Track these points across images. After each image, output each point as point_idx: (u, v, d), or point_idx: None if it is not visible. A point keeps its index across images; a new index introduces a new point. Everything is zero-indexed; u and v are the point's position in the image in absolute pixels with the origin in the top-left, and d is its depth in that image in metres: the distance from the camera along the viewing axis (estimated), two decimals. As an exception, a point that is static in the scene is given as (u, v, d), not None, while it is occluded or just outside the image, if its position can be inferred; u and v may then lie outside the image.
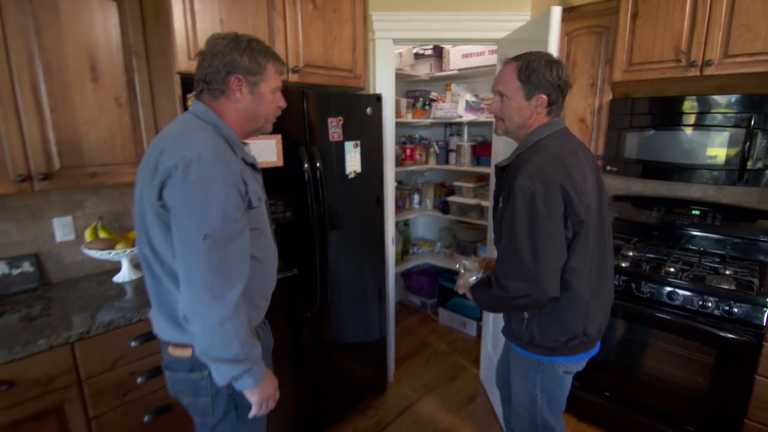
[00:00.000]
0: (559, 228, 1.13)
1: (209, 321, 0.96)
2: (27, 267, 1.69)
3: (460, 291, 1.41)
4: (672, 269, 1.87)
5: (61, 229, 1.78)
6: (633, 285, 1.88)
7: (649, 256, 2.05)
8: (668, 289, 1.79)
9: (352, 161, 1.92)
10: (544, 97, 1.19)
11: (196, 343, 1.00)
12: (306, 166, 1.71)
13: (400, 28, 2.05)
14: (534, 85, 1.18)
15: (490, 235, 1.98)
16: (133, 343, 1.48)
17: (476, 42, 2.30)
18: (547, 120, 1.24)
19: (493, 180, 1.68)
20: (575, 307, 1.22)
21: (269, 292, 1.23)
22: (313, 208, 1.78)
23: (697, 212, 2.15)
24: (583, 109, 2.24)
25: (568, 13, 2.17)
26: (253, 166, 1.14)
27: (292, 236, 1.78)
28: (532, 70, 1.17)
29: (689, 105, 1.88)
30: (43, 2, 1.40)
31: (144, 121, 1.69)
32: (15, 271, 1.66)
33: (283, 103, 1.16)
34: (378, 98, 2.03)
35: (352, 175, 1.95)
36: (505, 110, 1.24)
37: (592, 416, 2.12)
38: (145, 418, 1.55)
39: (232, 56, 1.02)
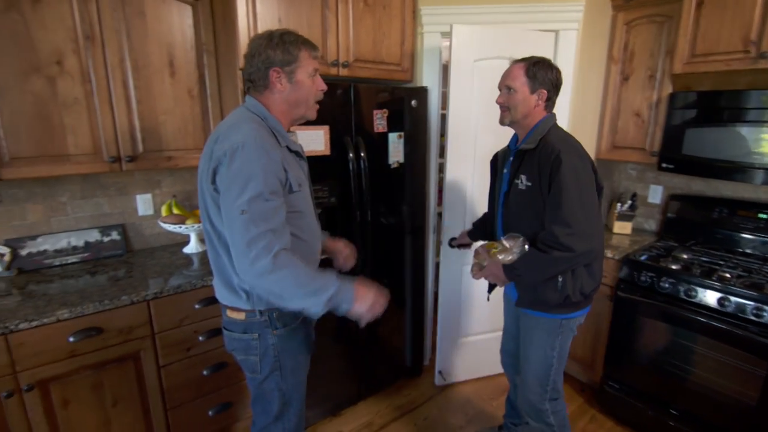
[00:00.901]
0: (595, 193, 1.37)
1: (252, 281, 1.09)
2: (115, 236, 1.98)
3: (477, 276, 1.52)
4: (727, 275, 1.77)
5: (143, 204, 2.06)
6: (681, 288, 1.80)
7: (703, 259, 1.94)
8: (719, 294, 1.70)
9: (396, 152, 2.01)
10: (545, 92, 1.41)
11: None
12: (350, 155, 1.83)
13: (448, 22, 2.09)
14: (538, 81, 1.40)
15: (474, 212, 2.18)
16: (196, 306, 1.71)
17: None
18: (545, 113, 1.45)
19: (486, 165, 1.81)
20: (599, 261, 1.47)
21: (312, 267, 1.36)
22: (356, 195, 1.90)
23: (764, 216, 1.99)
24: (640, 103, 2.15)
25: (628, 1, 2.08)
26: (297, 153, 1.26)
27: (336, 220, 1.92)
28: (538, 69, 1.39)
29: (758, 99, 1.74)
30: (133, 8, 1.63)
31: (212, 111, 1.90)
32: (106, 239, 1.96)
33: (323, 86, 1.25)
34: (423, 91, 2.10)
35: (395, 165, 2.04)
36: (511, 101, 1.43)
37: (631, 420, 2.07)
38: (204, 372, 1.78)
39: (267, 53, 1.13)
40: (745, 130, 1.79)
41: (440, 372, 2.41)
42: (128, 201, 2.03)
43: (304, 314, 1.29)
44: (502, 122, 1.50)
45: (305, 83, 1.19)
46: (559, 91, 1.44)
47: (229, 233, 1.10)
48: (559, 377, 1.55)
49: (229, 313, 1.27)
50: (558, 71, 1.42)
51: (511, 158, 1.51)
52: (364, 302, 1.14)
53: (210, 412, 1.84)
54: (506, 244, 1.43)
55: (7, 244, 1.73)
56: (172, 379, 1.71)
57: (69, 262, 1.86)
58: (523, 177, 1.41)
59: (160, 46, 1.72)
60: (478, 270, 1.53)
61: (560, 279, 1.39)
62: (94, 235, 1.93)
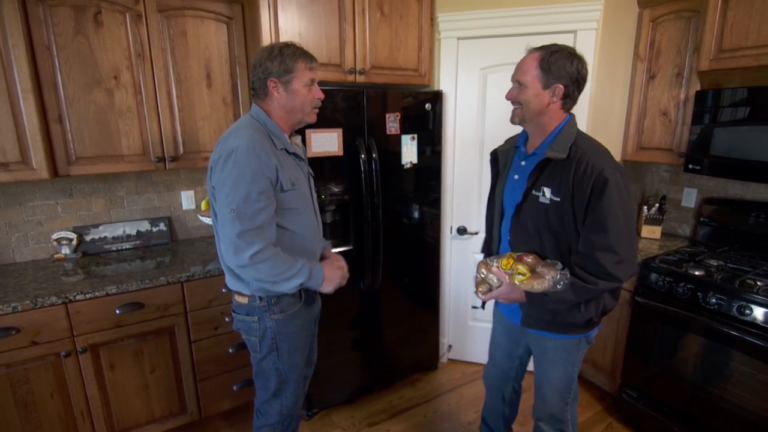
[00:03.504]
0: (634, 211, 1.27)
1: (236, 269, 1.27)
2: (162, 226, 2.26)
3: (486, 298, 1.36)
4: (751, 282, 1.66)
5: (186, 200, 2.33)
6: (699, 294, 1.72)
7: (731, 266, 1.83)
8: (739, 302, 1.61)
9: (408, 153, 2.11)
10: (561, 87, 1.21)
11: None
12: (362, 156, 1.96)
13: (464, 27, 2.15)
14: (554, 75, 1.20)
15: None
16: (223, 290, 1.92)
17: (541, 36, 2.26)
18: (562, 113, 1.26)
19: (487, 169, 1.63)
20: None
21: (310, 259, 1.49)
22: (367, 193, 2.01)
23: (807, 221, 1.83)
24: (667, 102, 2.07)
25: (652, -2, 2.02)
26: (296, 155, 1.39)
27: (349, 216, 2.05)
28: (554, 59, 1.19)
29: (792, 96, 1.63)
30: (176, 29, 1.88)
31: (243, 117, 2.11)
32: (154, 229, 2.25)
33: (320, 95, 1.37)
34: (437, 95, 2.17)
35: (408, 166, 2.13)
36: (521, 96, 1.25)
37: None
38: (230, 350, 1.98)
39: (266, 64, 1.27)
40: (779, 129, 1.68)
41: (450, 346, 2.67)
42: (174, 197, 2.31)
43: (302, 302, 1.43)
44: (512, 120, 1.33)
45: (300, 92, 1.31)
46: (581, 88, 1.24)
47: (219, 227, 1.26)
48: (576, 384, 1.48)
49: (236, 297, 1.43)
50: (581, 62, 1.21)
51: (524, 162, 1.35)
52: (331, 284, 1.39)
53: (234, 387, 2.04)
54: (542, 271, 1.21)
55: (75, 230, 2.06)
56: (201, 354, 1.93)
57: (123, 248, 2.16)
58: (546, 189, 1.24)
59: (198, 60, 1.96)
60: (487, 291, 1.35)
61: (583, 305, 1.27)
62: (144, 226, 2.22)
